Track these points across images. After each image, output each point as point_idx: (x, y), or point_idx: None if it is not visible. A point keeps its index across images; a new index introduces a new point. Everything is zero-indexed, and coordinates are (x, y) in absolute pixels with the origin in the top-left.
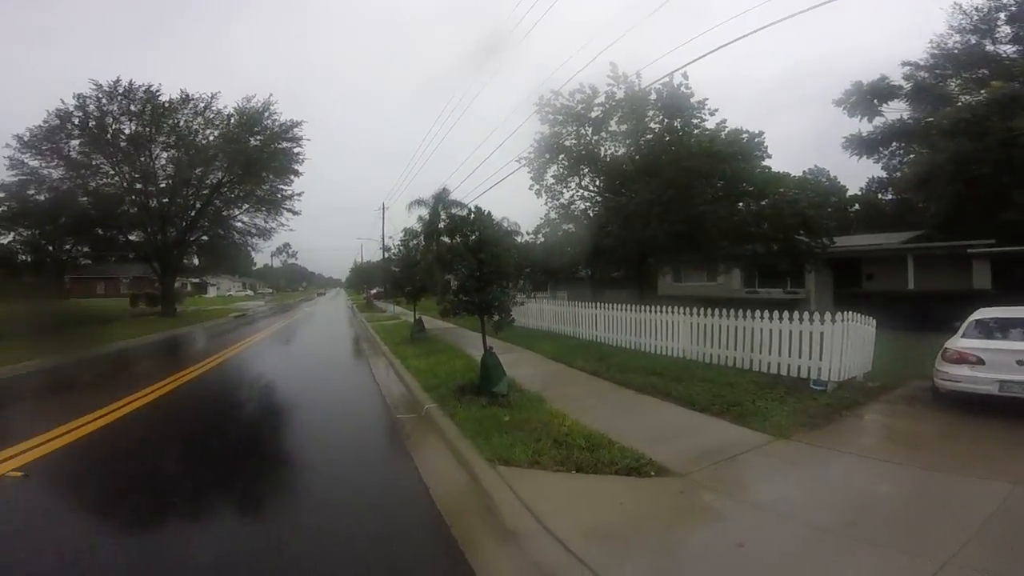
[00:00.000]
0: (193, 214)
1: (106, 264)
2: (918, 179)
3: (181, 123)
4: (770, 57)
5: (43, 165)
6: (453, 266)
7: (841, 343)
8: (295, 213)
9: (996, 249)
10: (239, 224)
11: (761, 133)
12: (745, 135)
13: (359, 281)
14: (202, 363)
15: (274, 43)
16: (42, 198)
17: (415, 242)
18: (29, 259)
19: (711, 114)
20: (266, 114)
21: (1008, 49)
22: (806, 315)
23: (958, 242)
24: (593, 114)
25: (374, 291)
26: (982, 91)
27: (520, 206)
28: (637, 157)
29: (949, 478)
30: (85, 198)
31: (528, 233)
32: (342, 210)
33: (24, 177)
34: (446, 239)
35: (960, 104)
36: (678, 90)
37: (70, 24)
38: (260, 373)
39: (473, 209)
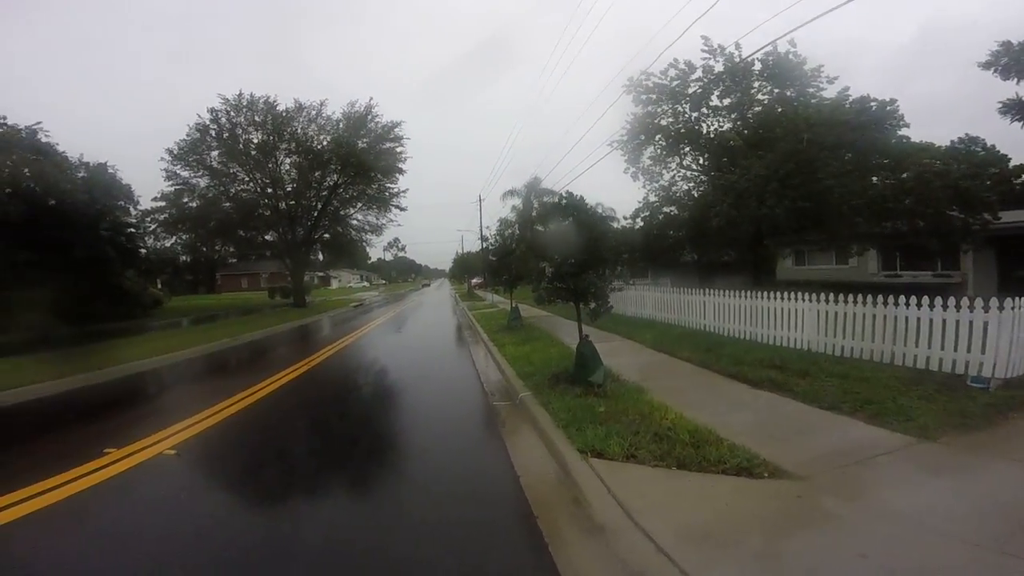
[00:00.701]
0: (315, 214)
1: (248, 262)
2: None
3: (298, 130)
4: (893, 20)
5: (192, 175)
6: (547, 253)
7: (1011, 334)
8: (402, 209)
9: None
10: (354, 222)
11: (894, 101)
12: (874, 103)
13: (461, 271)
14: (324, 350)
15: (372, 45)
16: (194, 205)
17: (509, 231)
18: (188, 259)
19: (829, 82)
20: (369, 117)
21: None
22: (964, 301)
23: None
24: (690, 90)
25: (475, 280)
26: None
27: (614, 192)
28: (745, 131)
29: None
30: (227, 203)
31: (625, 218)
32: (444, 204)
33: (179, 187)
34: (540, 227)
35: None
36: (785, 58)
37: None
38: (373, 359)
39: (565, 194)
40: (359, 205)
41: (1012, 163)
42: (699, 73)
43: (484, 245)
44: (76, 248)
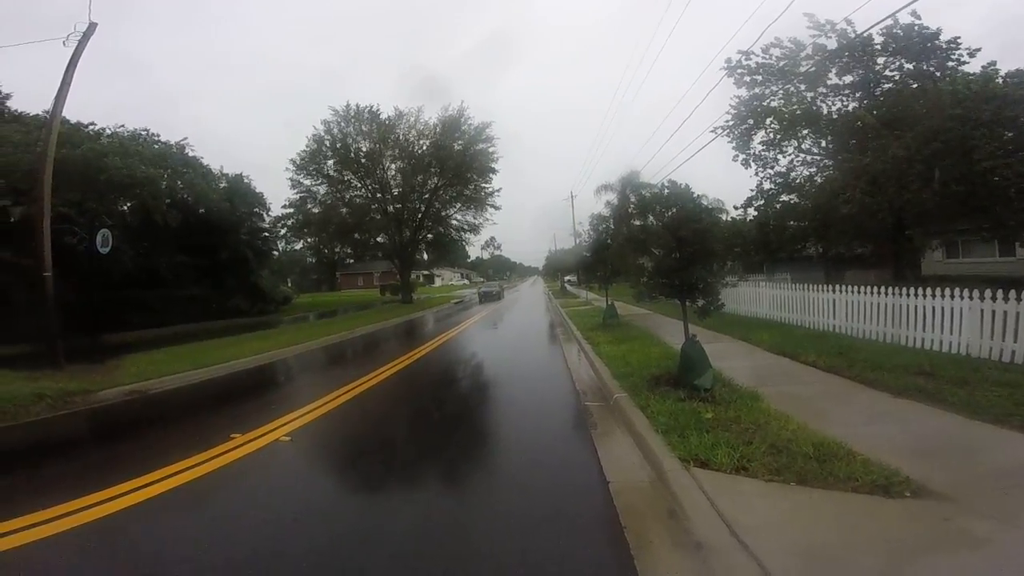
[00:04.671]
0: (419, 216)
1: (363, 262)
2: None
3: (400, 136)
4: None
5: (312, 183)
6: (648, 247)
7: None
8: (496, 208)
9: None
10: (454, 222)
11: None
12: (1013, 78)
13: (553, 269)
14: (425, 345)
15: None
16: (316, 211)
17: (604, 226)
18: (313, 260)
19: (970, 55)
20: (462, 119)
21: None
22: None
23: None
24: (802, 69)
25: (568, 278)
26: None
27: (719, 182)
28: (874, 112)
29: None
30: (344, 208)
31: (736, 208)
32: (537, 203)
33: (302, 194)
34: (638, 221)
35: None
36: (912, 29)
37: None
38: (468, 355)
39: (667, 183)
40: (458, 206)
41: None
42: (808, 51)
43: (577, 241)
44: (221, 251)
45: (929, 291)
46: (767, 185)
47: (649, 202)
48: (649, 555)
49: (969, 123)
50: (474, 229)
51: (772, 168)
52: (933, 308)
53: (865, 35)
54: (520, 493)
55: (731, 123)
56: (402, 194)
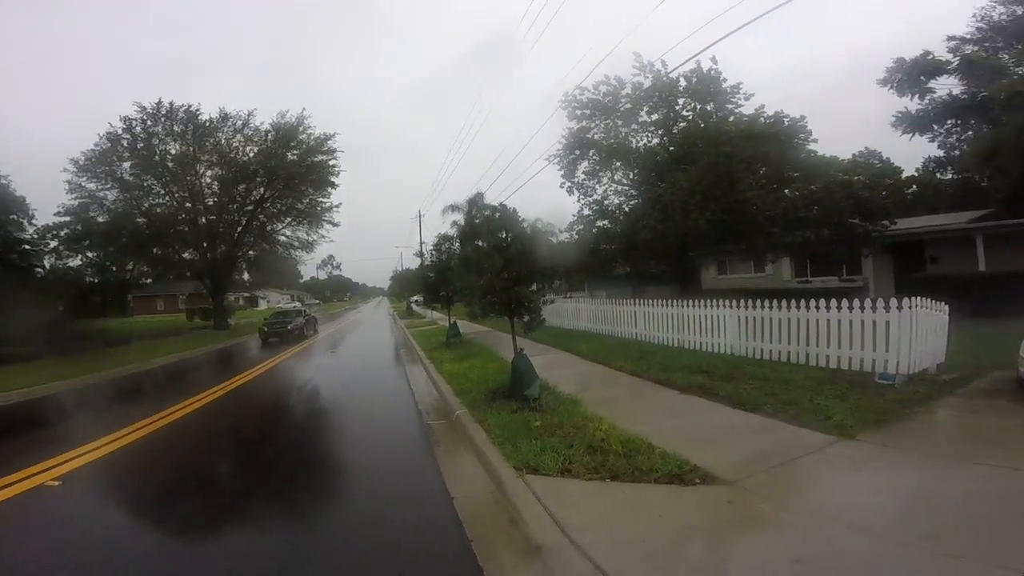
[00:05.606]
0: (239, 230)
1: (165, 282)
2: (982, 156)
3: (222, 141)
4: (808, 44)
5: (99, 188)
6: (480, 267)
7: (910, 332)
8: (334, 224)
9: None
10: (282, 238)
11: (803, 117)
12: (787, 119)
13: (399, 289)
14: (241, 375)
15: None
16: (101, 220)
17: (446, 246)
18: (96, 280)
19: (746, 99)
20: (300, 128)
21: None
22: (867, 303)
23: None
24: (621, 106)
25: (414, 299)
26: None
27: (555, 205)
28: (671, 147)
29: None
30: (141, 219)
31: (561, 231)
32: (382, 221)
33: (84, 200)
34: (480, 242)
35: (1016, 76)
36: (708, 75)
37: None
38: (298, 382)
39: (498, 207)
40: (288, 220)
41: (904, 174)
42: (629, 89)
43: (422, 261)
44: None
45: (702, 303)
46: (586, 211)
47: (482, 225)
48: (495, 563)
49: (735, 159)
50: (306, 246)
51: (592, 196)
52: (706, 316)
53: (674, 77)
54: (362, 520)
55: (561, 152)
56: (219, 205)
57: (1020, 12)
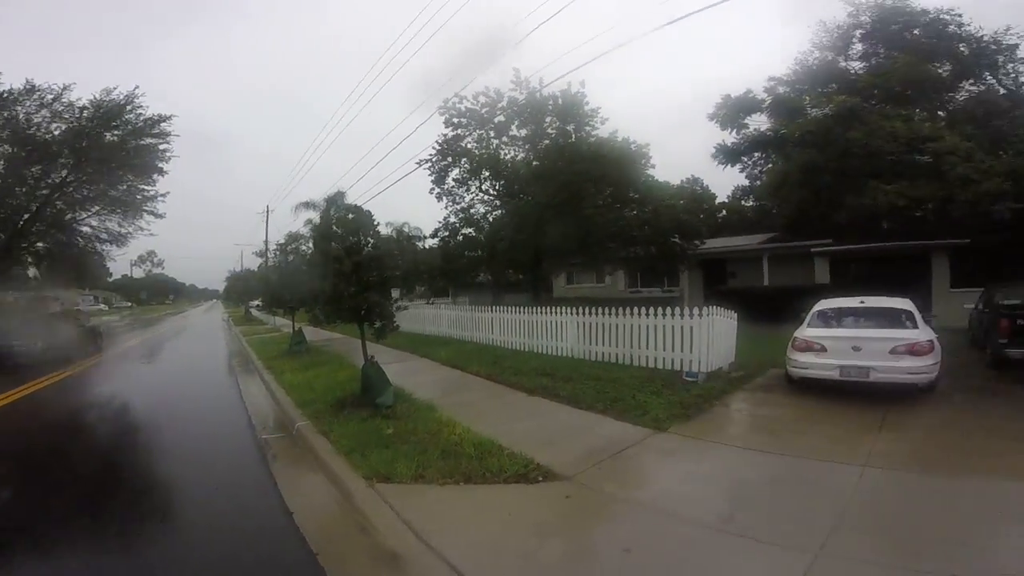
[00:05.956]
0: (27, 217)
1: None
2: (773, 186)
3: (20, 115)
4: (662, 77)
5: None
6: (331, 270)
7: (708, 336)
8: (158, 216)
9: (832, 248)
10: (86, 229)
11: (647, 144)
12: (634, 144)
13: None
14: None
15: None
16: None
17: (294, 245)
18: None
19: (602, 123)
20: (128, 107)
21: (857, 66)
22: (676, 310)
23: (802, 242)
24: (496, 118)
25: (254, 303)
26: (829, 105)
27: (425, 211)
28: (535, 162)
29: (810, 464)
30: None
31: (426, 237)
32: (225, 217)
33: None
34: (336, 244)
35: (810, 117)
36: (575, 97)
37: None
38: (99, 400)
39: (352, 208)
40: (95, 209)
41: (718, 200)
42: (505, 102)
43: (266, 261)
44: None
45: (548, 309)
46: (452, 219)
47: (324, 229)
48: (344, 572)
49: (584, 178)
50: (118, 240)
51: (459, 204)
52: (551, 322)
53: (546, 95)
54: (188, 552)
55: (434, 158)
56: (3, 187)
57: (829, 58)
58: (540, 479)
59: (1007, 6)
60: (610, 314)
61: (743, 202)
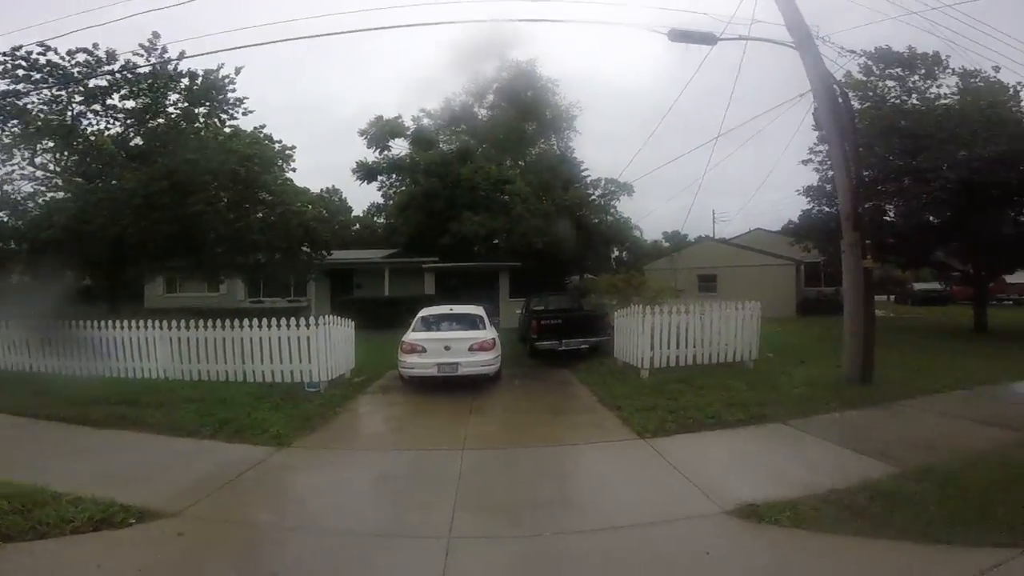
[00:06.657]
0: None
1: None
2: (400, 206)
3: None
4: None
5: None
6: None
7: (326, 344)
8: None
9: (437, 265)
10: None
11: (293, 147)
12: (278, 143)
13: None
14: None
15: None
16: None
17: None
18: None
19: (245, 114)
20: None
21: (485, 113)
22: (294, 321)
23: (415, 258)
24: (95, 81)
25: None
26: (456, 143)
27: None
28: (135, 141)
29: (425, 455)
30: None
31: None
32: None
33: None
34: None
35: (440, 150)
36: (216, 81)
37: None
38: None
39: None
40: None
41: (354, 214)
42: (118, 66)
43: None
44: None
45: (129, 324)
46: None
47: None
48: None
49: (199, 168)
50: None
51: None
52: (134, 339)
53: (181, 71)
54: None
55: None
56: None
57: (470, 102)
58: (132, 522)
59: (583, 80)
60: (219, 327)
61: (375, 219)
